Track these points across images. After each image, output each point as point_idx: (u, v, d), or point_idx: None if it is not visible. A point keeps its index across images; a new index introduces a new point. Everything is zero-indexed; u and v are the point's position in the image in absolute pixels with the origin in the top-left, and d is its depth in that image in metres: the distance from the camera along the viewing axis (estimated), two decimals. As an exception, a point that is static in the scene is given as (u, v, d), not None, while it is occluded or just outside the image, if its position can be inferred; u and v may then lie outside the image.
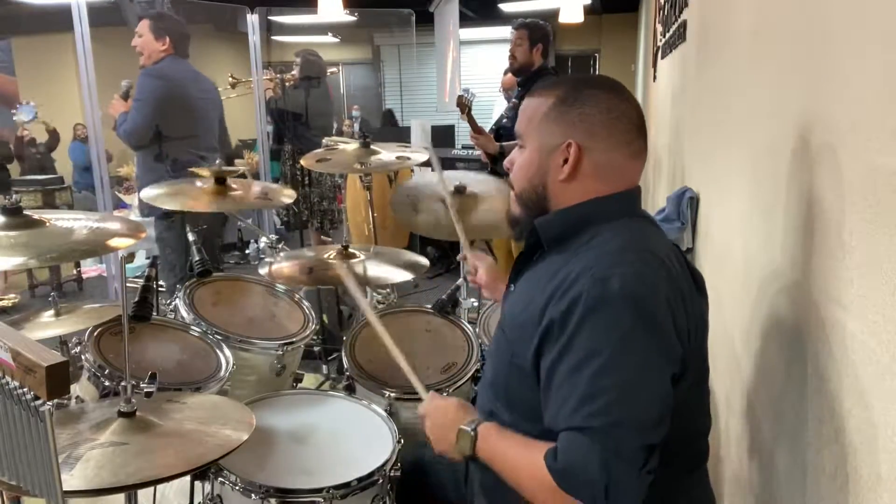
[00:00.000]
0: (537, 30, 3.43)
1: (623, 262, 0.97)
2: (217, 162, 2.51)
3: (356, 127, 8.11)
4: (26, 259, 1.29)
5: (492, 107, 6.63)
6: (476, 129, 3.43)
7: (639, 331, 0.93)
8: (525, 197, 1.13)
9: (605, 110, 1.06)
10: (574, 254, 1.03)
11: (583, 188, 1.07)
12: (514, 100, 3.58)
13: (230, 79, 4.75)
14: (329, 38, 9.53)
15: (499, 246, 3.92)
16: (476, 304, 2.77)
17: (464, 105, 3.40)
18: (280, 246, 2.39)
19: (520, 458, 1.01)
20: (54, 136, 7.35)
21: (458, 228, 1.67)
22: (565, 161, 1.06)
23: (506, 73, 5.04)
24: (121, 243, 1.43)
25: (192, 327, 1.82)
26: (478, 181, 2.40)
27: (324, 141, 4.50)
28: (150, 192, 2.11)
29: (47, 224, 1.42)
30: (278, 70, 4.97)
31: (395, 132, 7.75)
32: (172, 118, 3.13)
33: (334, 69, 6.60)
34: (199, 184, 2.19)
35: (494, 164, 3.58)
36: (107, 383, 1.53)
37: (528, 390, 1.05)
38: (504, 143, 3.36)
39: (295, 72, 4.82)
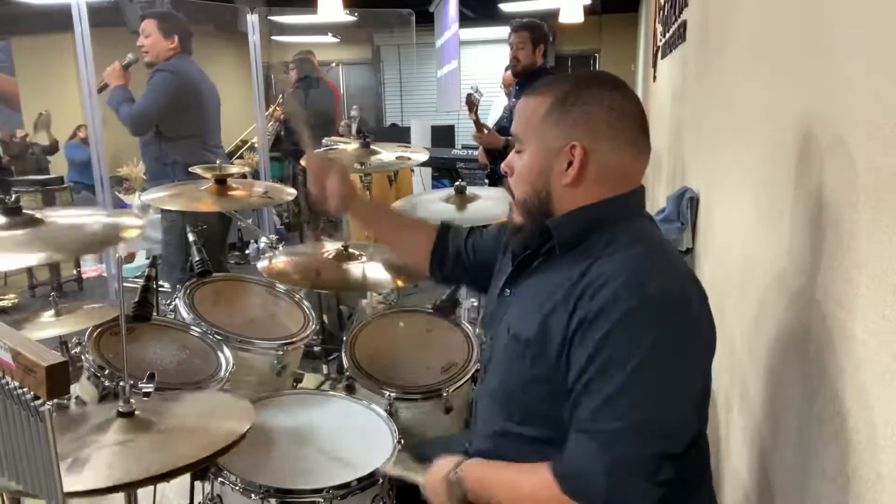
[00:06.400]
0: (537, 30, 3.44)
1: (656, 266, 0.95)
2: (218, 162, 2.51)
3: (354, 127, 8.10)
4: (49, 254, 1.26)
5: (491, 106, 6.63)
6: (479, 128, 3.43)
7: (673, 335, 0.91)
8: (528, 204, 1.07)
9: (609, 108, 1.00)
10: (592, 257, 0.99)
11: (589, 191, 1.02)
12: (512, 99, 3.57)
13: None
14: (329, 38, 9.52)
15: None
16: (476, 303, 2.78)
17: (472, 103, 3.43)
18: (280, 246, 2.39)
19: (520, 475, 0.99)
20: (54, 144, 7.41)
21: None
22: (569, 164, 1.01)
23: (506, 69, 5.06)
24: (132, 233, 1.41)
25: (192, 327, 1.82)
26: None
27: (324, 141, 4.51)
28: (151, 193, 2.11)
29: (48, 221, 1.41)
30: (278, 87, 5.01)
31: (397, 132, 7.78)
32: (187, 114, 3.16)
33: (330, 67, 6.60)
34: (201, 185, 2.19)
35: (494, 164, 3.58)
36: (107, 383, 1.53)
37: (550, 401, 1.00)
38: (510, 137, 3.36)
39: (293, 74, 4.86)
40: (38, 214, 1.43)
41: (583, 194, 1.03)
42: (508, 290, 1.15)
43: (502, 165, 1.14)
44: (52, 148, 7.49)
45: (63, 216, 1.48)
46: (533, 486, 0.96)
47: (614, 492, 0.88)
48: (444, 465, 1.13)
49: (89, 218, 1.50)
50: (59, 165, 7.48)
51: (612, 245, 0.99)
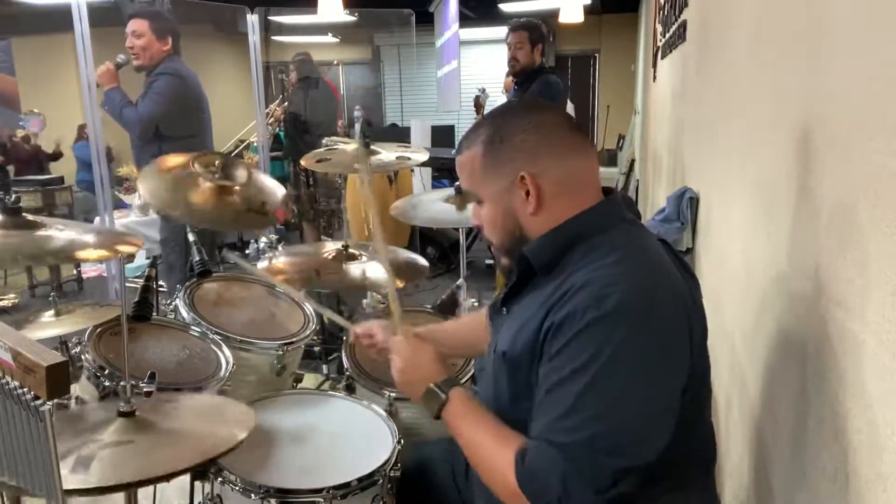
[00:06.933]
0: (535, 30, 3.43)
1: (623, 278, 0.95)
2: (217, 163, 2.51)
3: (357, 128, 8.09)
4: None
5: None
6: None
7: (631, 348, 0.91)
8: (508, 246, 1.11)
9: (533, 129, 1.04)
10: (571, 271, 1.00)
11: (556, 210, 1.04)
12: (513, 100, 3.58)
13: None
14: (329, 38, 9.53)
15: None
16: (476, 304, 2.77)
17: (479, 104, 3.44)
18: (280, 246, 2.39)
19: (490, 446, 1.01)
20: (58, 152, 7.45)
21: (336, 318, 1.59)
22: (527, 194, 1.04)
23: (508, 75, 5.05)
24: (91, 255, 1.39)
25: (192, 327, 1.82)
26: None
27: (324, 141, 4.52)
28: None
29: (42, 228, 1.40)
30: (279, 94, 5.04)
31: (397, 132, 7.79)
32: (190, 116, 3.17)
33: (330, 66, 6.63)
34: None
35: None
36: (107, 383, 1.53)
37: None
38: None
39: (293, 76, 4.88)
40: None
41: (552, 215, 1.05)
42: (505, 309, 1.17)
43: (472, 220, 1.18)
44: (57, 154, 7.52)
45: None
46: (496, 461, 0.98)
47: (566, 499, 0.90)
48: (430, 363, 1.16)
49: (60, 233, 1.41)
50: (60, 165, 7.49)
51: (588, 257, 1.01)
